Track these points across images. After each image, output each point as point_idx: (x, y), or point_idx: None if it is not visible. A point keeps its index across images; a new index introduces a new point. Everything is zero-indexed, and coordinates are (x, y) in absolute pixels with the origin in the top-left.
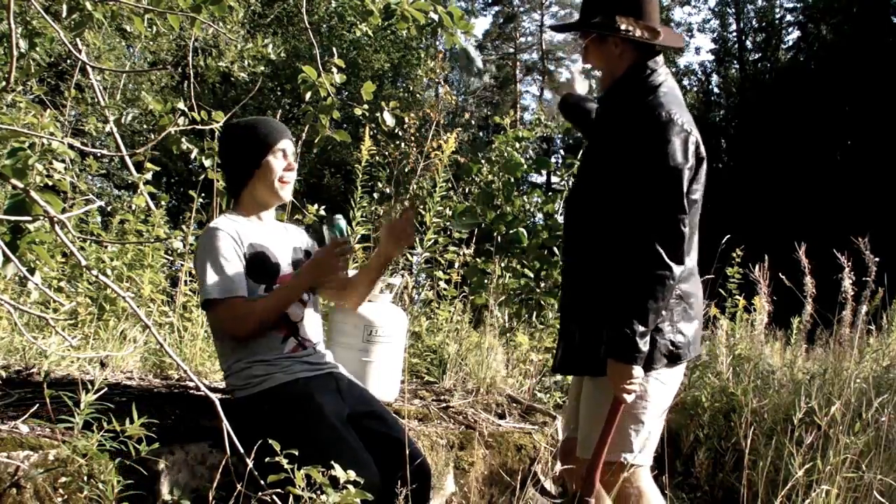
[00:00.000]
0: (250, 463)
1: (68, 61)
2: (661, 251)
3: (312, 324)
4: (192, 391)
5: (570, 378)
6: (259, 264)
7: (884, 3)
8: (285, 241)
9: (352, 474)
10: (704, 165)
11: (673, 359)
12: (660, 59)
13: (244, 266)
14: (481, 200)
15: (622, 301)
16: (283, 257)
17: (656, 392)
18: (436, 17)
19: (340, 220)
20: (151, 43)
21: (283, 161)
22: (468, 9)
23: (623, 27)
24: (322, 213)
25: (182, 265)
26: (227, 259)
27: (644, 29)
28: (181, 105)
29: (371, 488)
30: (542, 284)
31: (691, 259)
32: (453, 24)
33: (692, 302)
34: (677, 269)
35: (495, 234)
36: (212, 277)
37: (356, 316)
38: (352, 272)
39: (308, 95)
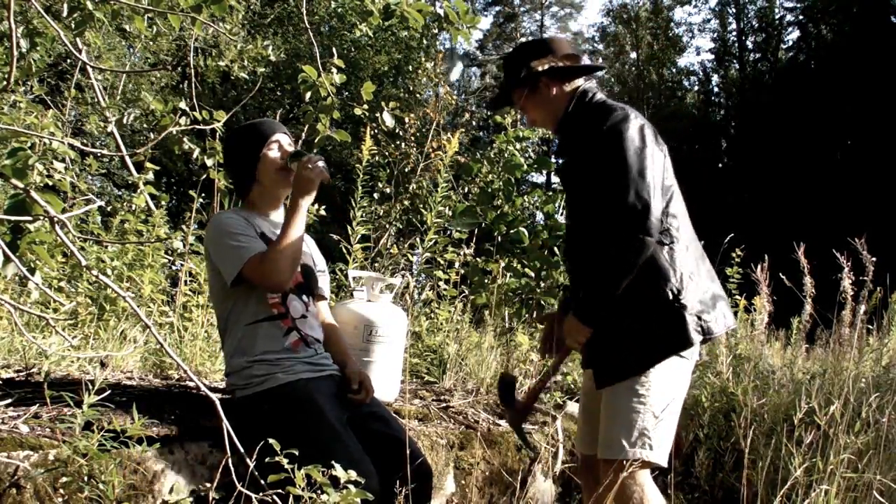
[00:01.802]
0: (251, 463)
1: (68, 61)
2: (628, 224)
3: (314, 323)
4: (192, 391)
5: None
6: None
7: (884, 3)
8: None
9: (352, 474)
10: (666, 152)
11: (705, 333)
12: (593, 84)
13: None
14: (481, 200)
15: (598, 270)
16: None
17: (669, 387)
18: (441, 12)
19: (295, 151)
20: (151, 43)
21: (279, 151)
22: (470, 9)
23: (545, 67)
24: (323, 213)
25: (182, 265)
26: (242, 232)
27: (563, 59)
28: (182, 105)
29: (370, 490)
30: (543, 284)
31: (685, 239)
32: (459, 19)
33: (698, 281)
34: (645, 241)
35: (496, 234)
36: (233, 249)
37: (356, 316)
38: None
39: (308, 95)
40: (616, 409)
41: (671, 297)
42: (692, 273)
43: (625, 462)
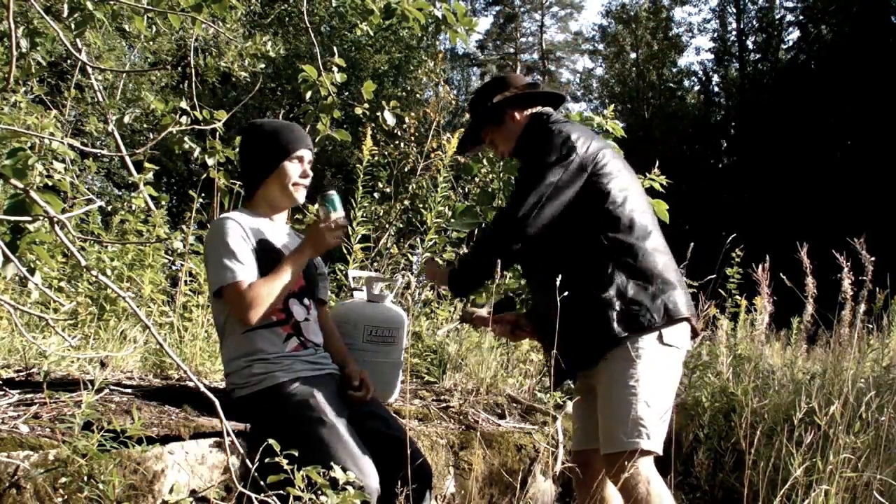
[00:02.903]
0: (251, 464)
1: (68, 61)
2: (502, 229)
3: (315, 327)
4: (192, 391)
5: (571, 383)
6: (267, 261)
7: (884, 3)
8: (293, 245)
9: (351, 475)
10: (608, 156)
11: (629, 330)
12: (552, 110)
13: (253, 256)
14: (481, 200)
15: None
16: None
17: (659, 377)
18: (439, 14)
19: (333, 195)
20: (151, 43)
21: (300, 167)
22: (470, 9)
23: (506, 96)
24: None
25: (182, 265)
26: (236, 247)
27: (522, 88)
28: (183, 104)
29: (370, 489)
30: None
31: (639, 239)
32: (457, 22)
33: (650, 276)
34: (510, 249)
35: None
36: (223, 265)
37: (357, 316)
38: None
39: (308, 95)
40: (610, 404)
41: (595, 293)
42: (630, 273)
43: (625, 454)
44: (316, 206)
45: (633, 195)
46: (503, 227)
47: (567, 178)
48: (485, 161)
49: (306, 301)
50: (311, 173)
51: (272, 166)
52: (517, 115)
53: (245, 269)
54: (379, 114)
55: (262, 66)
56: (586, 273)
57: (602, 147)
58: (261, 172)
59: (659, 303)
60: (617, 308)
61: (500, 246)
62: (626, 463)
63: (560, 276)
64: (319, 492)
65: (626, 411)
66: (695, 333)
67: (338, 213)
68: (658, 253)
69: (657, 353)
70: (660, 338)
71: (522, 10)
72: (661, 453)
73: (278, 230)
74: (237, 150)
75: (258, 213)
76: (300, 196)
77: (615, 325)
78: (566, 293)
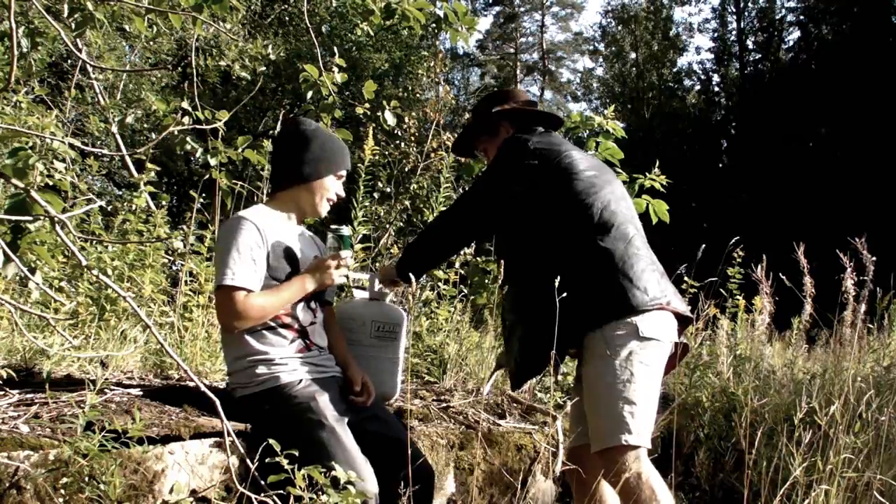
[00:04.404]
0: (251, 464)
1: (69, 61)
2: (452, 209)
3: (321, 330)
4: (192, 391)
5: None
6: (285, 264)
7: (884, 3)
8: (310, 250)
9: (352, 475)
10: (566, 158)
11: (602, 318)
12: (539, 129)
13: (265, 262)
14: None
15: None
16: (305, 264)
17: (638, 370)
18: (440, 13)
19: (347, 234)
20: (152, 43)
21: (339, 185)
22: (470, 9)
23: (503, 108)
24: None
25: (182, 265)
26: (244, 251)
27: (522, 105)
28: (185, 104)
29: (368, 493)
30: None
31: (605, 233)
32: (458, 20)
33: (617, 267)
34: (456, 223)
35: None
36: (226, 265)
37: (362, 314)
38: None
39: (310, 94)
40: (592, 401)
41: (565, 286)
42: (597, 265)
43: (612, 450)
44: (329, 235)
45: (602, 192)
46: (448, 211)
47: (517, 173)
48: (486, 161)
49: (313, 304)
50: (343, 195)
51: (316, 176)
52: (510, 130)
53: (246, 276)
54: (379, 113)
55: (263, 68)
56: (555, 269)
57: (569, 149)
58: (300, 177)
59: (627, 293)
60: (583, 299)
61: (441, 225)
62: (617, 459)
63: (530, 275)
64: (320, 491)
65: (607, 408)
66: (684, 323)
67: (347, 252)
68: (622, 243)
69: (635, 347)
70: (637, 331)
71: (522, 10)
72: (648, 446)
73: (297, 233)
74: (272, 144)
75: (283, 212)
76: (323, 211)
77: (582, 315)
78: (539, 290)
